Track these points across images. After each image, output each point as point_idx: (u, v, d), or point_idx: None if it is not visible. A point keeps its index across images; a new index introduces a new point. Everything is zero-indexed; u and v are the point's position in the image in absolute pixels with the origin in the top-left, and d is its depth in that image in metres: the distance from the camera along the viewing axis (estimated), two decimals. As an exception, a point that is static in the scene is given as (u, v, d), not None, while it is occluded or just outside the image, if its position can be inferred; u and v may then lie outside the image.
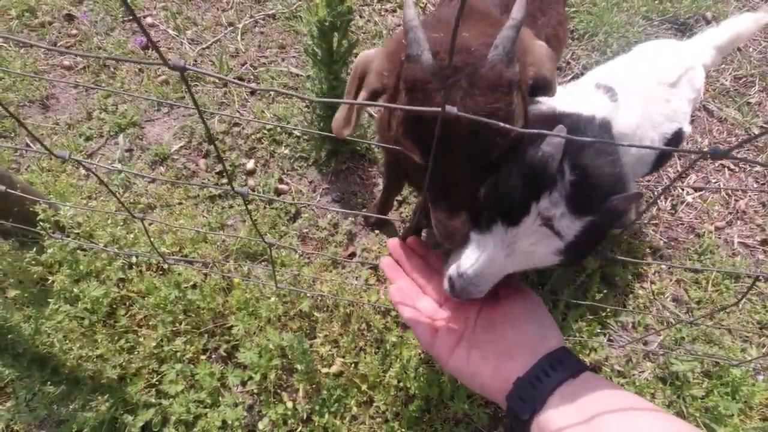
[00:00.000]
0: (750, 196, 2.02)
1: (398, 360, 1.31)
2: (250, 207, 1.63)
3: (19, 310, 1.17)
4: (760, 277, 1.47)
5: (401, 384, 1.31)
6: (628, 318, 1.60)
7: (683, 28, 2.55)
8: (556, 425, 0.56)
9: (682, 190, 2.01)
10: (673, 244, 1.85)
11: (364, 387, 1.32)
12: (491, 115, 0.60)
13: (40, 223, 1.20)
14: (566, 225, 0.64)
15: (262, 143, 1.87)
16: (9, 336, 1.08)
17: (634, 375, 1.47)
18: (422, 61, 0.61)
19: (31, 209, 1.23)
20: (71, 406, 1.13)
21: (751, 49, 2.50)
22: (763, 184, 2.06)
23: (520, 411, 0.60)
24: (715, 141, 2.17)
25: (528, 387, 0.61)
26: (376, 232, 1.68)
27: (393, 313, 1.43)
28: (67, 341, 1.17)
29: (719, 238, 1.88)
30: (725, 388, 1.41)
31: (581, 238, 0.65)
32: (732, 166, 2.10)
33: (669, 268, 1.73)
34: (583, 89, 1.15)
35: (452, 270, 0.73)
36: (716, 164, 2.11)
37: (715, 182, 2.06)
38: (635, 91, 1.17)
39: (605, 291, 1.62)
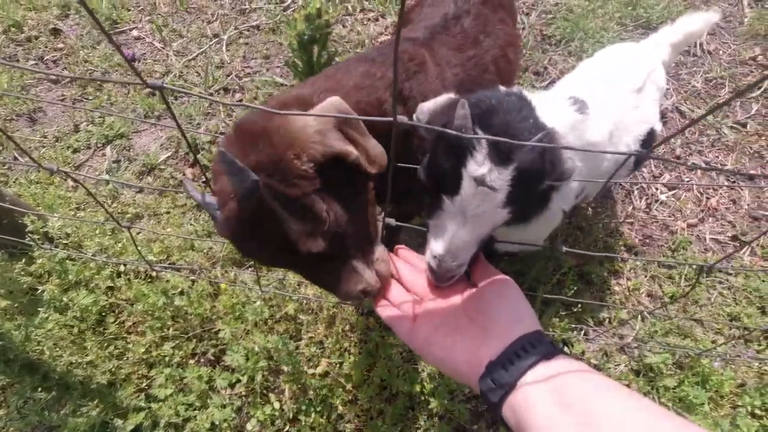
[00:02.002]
0: (721, 193, 2.09)
1: (381, 359, 1.35)
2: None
3: (9, 320, 1.20)
4: (705, 268, 1.53)
5: (385, 382, 1.36)
6: (604, 314, 1.66)
7: (656, 30, 2.63)
8: (527, 406, 0.55)
9: (656, 189, 2.08)
10: (647, 241, 1.92)
11: (348, 386, 1.36)
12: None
13: (29, 235, 1.23)
14: (496, 177, 0.69)
15: (248, 152, 1.92)
16: (0, 343, 1.11)
17: (609, 368, 1.52)
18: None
19: (20, 221, 1.26)
20: (62, 412, 1.16)
21: (721, 52, 2.59)
22: (734, 181, 2.14)
23: (490, 394, 0.58)
24: (687, 142, 2.25)
25: (500, 369, 0.60)
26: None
27: (375, 315, 1.48)
28: (57, 348, 1.20)
29: (692, 234, 1.96)
30: (696, 378, 1.48)
31: (516, 186, 0.71)
32: (704, 166, 2.18)
33: (621, 260, 1.79)
34: (551, 101, 1.20)
35: (428, 257, 0.79)
36: (689, 163, 2.19)
37: (688, 181, 2.14)
38: (607, 103, 1.24)
39: (582, 288, 1.68)
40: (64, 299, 1.26)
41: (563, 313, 1.54)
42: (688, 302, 1.75)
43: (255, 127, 0.69)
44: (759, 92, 2.43)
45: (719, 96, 2.41)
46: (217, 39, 2.38)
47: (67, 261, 1.30)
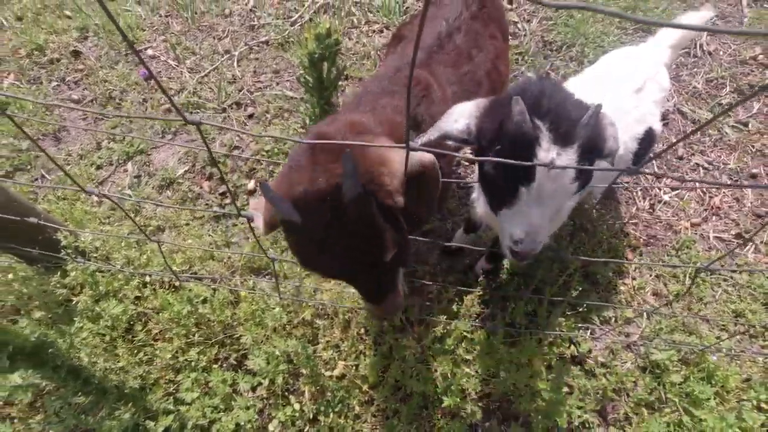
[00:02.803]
0: (724, 192, 2.13)
1: (395, 361, 1.42)
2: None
3: (48, 328, 1.28)
4: (701, 268, 1.57)
5: (399, 383, 1.42)
6: (609, 313, 1.70)
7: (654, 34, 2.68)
8: None
9: (659, 189, 2.13)
10: (652, 241, 1.96)
11: (365, 387, 1.43)
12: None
13: (64, 249, 1.32)
14: (566, 159, 0.79)
15: (261, 164, 2.00)
16: (50, 350, 1.19)
17: (616, 365, 1.57)
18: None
19: (53, 237, 1.35)
20: (99, 415, 1.24)
21: (721, 53, 2.63)
22: (736, 180, 2.18)
23: None
24: (690, 142, 2.29)
25: None
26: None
27: (394, 320, 1.54)
28: (93, 355, 1.28)
29: (696, 234, 2.00)
30: (701, 374, 1.52)
31: (582, 159, 0.81)
32: (706, 165, 2.22)
33: (625, 262, 1.84)
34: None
35: (507, 244, 0.89)
36: (692, 163, 2.23)
37: (691, 180, 2.18)
38: (606, 104, 1.29)
39: (587, 288, 1.73)
40: (96, 309, 1.34)
41: (569, 313, 1.59)
42: (693, 300, 1.79)
43: (334, 146, 0.76)
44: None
45: (720, 96, 2.45)
46: (228, 55, 2.47)
47: (98, 273, 1.39)
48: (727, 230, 2.03)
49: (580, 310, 1.64)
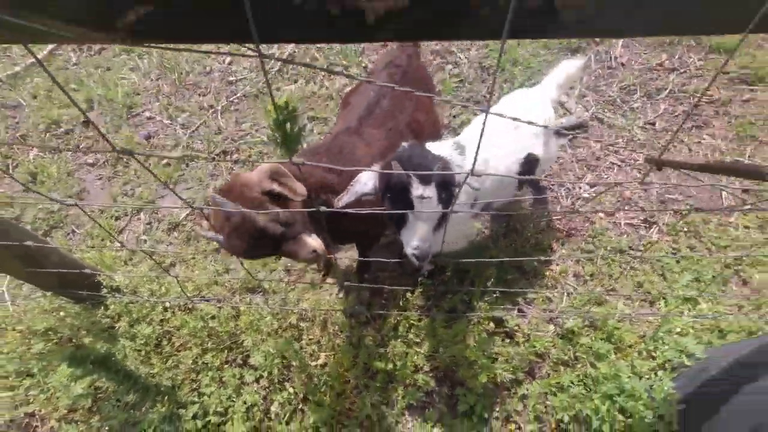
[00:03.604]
0: (636, 185, 2.56)
1: (363, 348, 1.85)
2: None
3: (105, 343, 1.73)
4: (604, 251, 1.99)
5: (367, 365, 1.85)
6: (534, 294, 2.13)
7: (576, 50, 3.12)
8: None
9: (580, 188, 2.56)
10: (573, 233, 2.39)
11: (341, 371, 1.86)
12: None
13: (104, 289, 1.76)
14: (429, 191, 1.26)
15: (249, 202, 2.44)
16: (112, 359, 1.64)
17: (540, 334, 2.00)
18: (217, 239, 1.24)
19: (94, 280, 1.79)
20: (143, 409, 1.67)
21: (633, 63, 3.06)
22: (646, 174, 2.60)
23: None
24: (606, 144, 2.72)
25: None
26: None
27: (356, 316, 1.98)
28: (135, 365, 1.72)
29: (610, 222, 2.43)
30: (603, 335, 1.94)
31: (440, 192, 1.28)
32: (619, 163, 2.65)
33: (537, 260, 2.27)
34: (439, 147, 1.70)
35: (409, 251, 1.34)
36: (608, 162, 2.66)
37: (607, 177, 2.61)
38: (483, 143, 1.73)
39: (517, 277, 2.16)
40: (132, 331, 1.78)
41: (498, 296, 2.02)
42: (605, 277, 2.22)
43: (228, 186, 1.33)
44: (665, 94, 2.90)
45: (632, 101, 2.88)
46: (212, 109, 2.92)
47: (130, 304, 1.83)
48: (636, 217, 2.46)
49: (510, 293, 2.07)
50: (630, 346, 1.95)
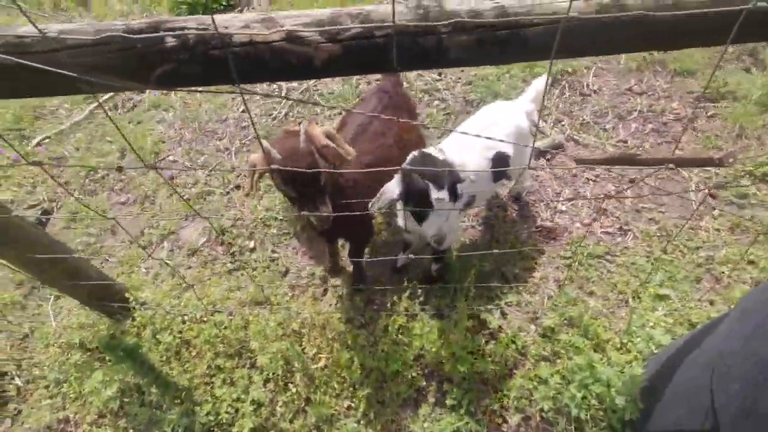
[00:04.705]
0: (611, 198, 2.77)
1: (357, 349, 2.06)
2: (254, 273, 2.48)
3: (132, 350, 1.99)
4: (577, 249, 2.18)
5: (363, 365, 2.05)
6: (516, 298, 2.32)
7: (553, 82, 3.43)
8: None
9: (558, 202, 2.78)
10: (551, 243, 2.59)
11: (339, 371, 2.06)
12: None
13: (130, 303, 2.05)
14: (443, 194, 1.59)
15: (257, 228, 2.74)
16: (138, 364, 1.90)
17: (522, 334, 2.16)
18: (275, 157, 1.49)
19: (125, 296, 2.08)
20: (163, 407, 1.90)
21: (604, 89, 3.35)
22: (617, 186, 2.81)
23: None
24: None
25: None
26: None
27: (354, 322, 2.19)
28: (157, 370, 1.97)
29: (588, 232, 2.62)
30: (580, 331, 2.10)
31: (450, 192, 1.61)
32: (594, 179, 2.87)
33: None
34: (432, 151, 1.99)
35: (430, 239, 1.74)
36: (584, 178, 2.89)
37: (583, 192, 2.83)
38: (457, 144, 2.01)
39: (499, 283, 2.36)
40: (156, 339, 2.04)
41: (482, 299, 2.22)
42: (583, 281, 2.39)
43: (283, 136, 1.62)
44: (635, 114, 3.15)
45: (604, 122, 3.14)
46: (227, 151, 3.30)
47: (155, 316, 2.10)
48: (612, 225, 2.65)
49: (494, 297, 2.26)
50: (607, 341, 2.10)
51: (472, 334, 2.13)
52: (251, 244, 2.68)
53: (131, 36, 0.89)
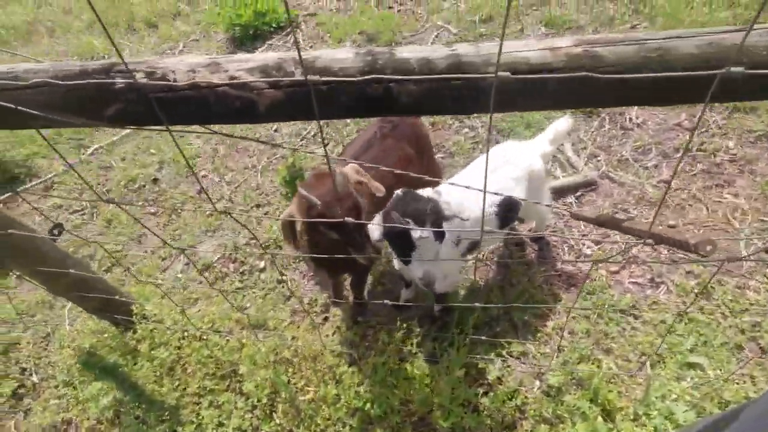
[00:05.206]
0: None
1: (346, 387, 1.98)
2: (260, 293, 2.50)
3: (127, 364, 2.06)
4: (574, 308, 1.98)
5: (349, 404, 1.97)
6: (523, 348, 2.14)
7: (591, 114, 3.21)
8: None
9: (583, 244, 2.56)
10: (572, 289, 2.38)
11: (324, 407, 1.99)
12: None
13: (134, 317, 2.12)
14: (426, 232, 1.51)
15: (270, 248, 2.77)
16: (133, 377, 1.96)
17: (523, 389, 1.99)
18: (315, 204, 1.46)
19: (130, 308, 2.16)
20: (150, 423, 1.93)
21: (649, 122, 3.08)
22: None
23: None
24: (614, 202, 2.72)
25: None
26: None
27: (345, 357, 2.13)
28: (150, 385, 2.01)
29: (613, 279, 2.38)
30: (589, 395, 1.89)
31: (434, 231, 1.51)
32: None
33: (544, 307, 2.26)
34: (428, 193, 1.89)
35: (417, 281, 1.67)
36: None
37: (614, 234, 2.59)
38: (459, 189, 1.90)
39: (507, 329, 2.20)
40: (152, 354, 2.09)
41: (482, 345, 2.07)
42: (600, 335, 2.16)
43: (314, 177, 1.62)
44: (681, 153, 2.86)
45: (646, 160, 2.88)
46: (254, 169, 3.39)
47: (154, 330, 2.16)
48: (642, 275, 2.39)
49: (498, 346, 2.11)
50: (619, 410, 1.87)
51: (468, 384, 1.99)
52: (261, 264, 2.71)
53: (82, 78, 0.92)
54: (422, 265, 1.61)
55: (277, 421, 1.99)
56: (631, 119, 3.12)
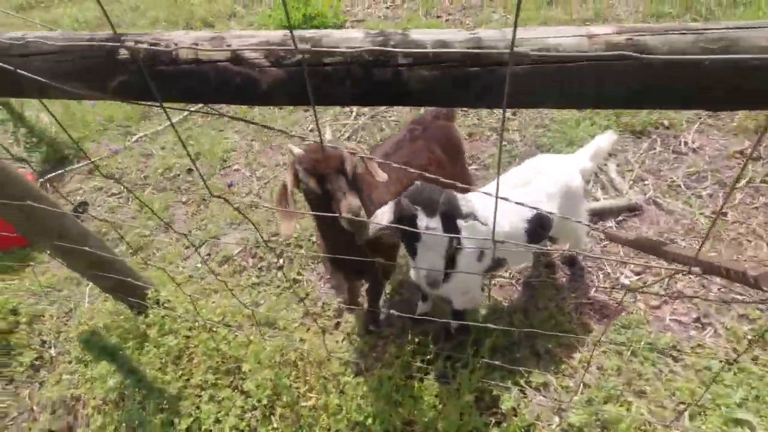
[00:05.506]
0: (690, 277, 2.27)
1: (348, 397, 1.89)
2: (275, 291, 2.45)
3: (131, 350, 2.06)
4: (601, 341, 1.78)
5: (350, 418, 1.87)
6: (540, 379, 1.96)
7: (641, 135, 2.99)
8: None
9: (621, 272, 2.35)
10: (604, 321, 2.17)
11: (325, 416, 1.90)
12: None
13: (148, 301, 2.12)
14: (433, 222, 1.41)
15: (289, 247, 2.73)
16: (140, 360, 1.96)
17: (539, 425, 1.81)
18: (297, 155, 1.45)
19: (145, 292, 2.17)
20: (150, 411, 1.92)
21: (706, 148, 2.83)
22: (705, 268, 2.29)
23: None
24: (660, 231, 2.48)
25: None
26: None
27: (352, 367, 2.03)
28: (154, 369, 2.00)
29: (652, 314, 2.16)
30: (614, 440, 1.69)
31: (445, 223, 1.42)
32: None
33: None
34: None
35: (421, 277, 1.55)
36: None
37: (658, 264, 2.35)
38: (489, 198, 1.78)
39: (527, 356, 2.03)
40: (160, 340, 2.08)
41: (499, 371, 1.91)
42: (633, 375, 1.95)
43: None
44: (744, 183, 2.59)
45: (700, 188, 2.63)
46: (285, 166, 3.39)
47: (166, 317, 2.15)
48: (687, 314, 2.15)
49: (516, 375, 1.94)
50: (649, 461, 1.66)
51: (479, 411, 1.84)
52: (280, 262, 2.67)
53: (90, 44, 0.89)
54: (427, 258, 1.48)
55: (275, 425, 1.91)
56: (686, 143, 2.87)
